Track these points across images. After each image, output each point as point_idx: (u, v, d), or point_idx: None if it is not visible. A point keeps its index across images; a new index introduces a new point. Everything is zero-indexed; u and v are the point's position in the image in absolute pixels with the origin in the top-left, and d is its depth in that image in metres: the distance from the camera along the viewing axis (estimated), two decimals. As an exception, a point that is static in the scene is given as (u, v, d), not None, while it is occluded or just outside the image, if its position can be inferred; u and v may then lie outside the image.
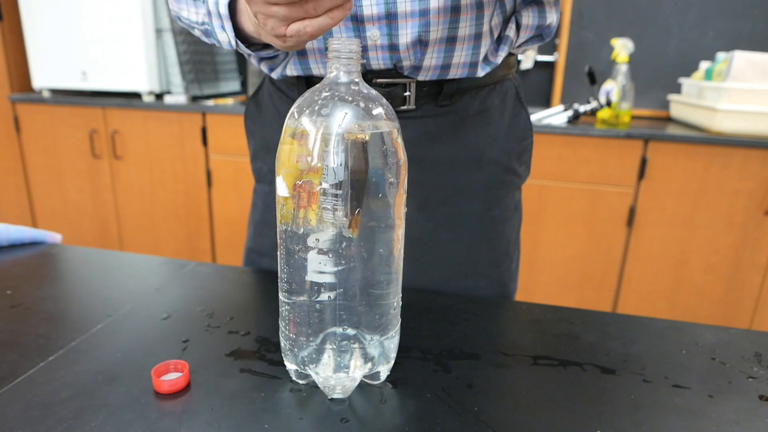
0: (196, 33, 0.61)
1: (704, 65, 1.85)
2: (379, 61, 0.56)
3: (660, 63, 2.03)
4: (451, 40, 0.56)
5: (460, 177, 0.64)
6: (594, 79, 1.86)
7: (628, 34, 2.00)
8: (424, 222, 0.65)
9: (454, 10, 0.54)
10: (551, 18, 0.60)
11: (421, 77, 0.58)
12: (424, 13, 0.53)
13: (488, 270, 0.68)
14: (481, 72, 0.59)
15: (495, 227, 0.67)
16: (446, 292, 0.64)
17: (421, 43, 0.55)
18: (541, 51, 2.16)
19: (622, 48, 1.79)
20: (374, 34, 0.54)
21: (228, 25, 0.53)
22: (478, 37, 0.56)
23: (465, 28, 0.56)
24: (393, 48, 0.55)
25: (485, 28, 0.56)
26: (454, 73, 0.58)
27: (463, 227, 0.66)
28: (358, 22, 0.54)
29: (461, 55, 0.57)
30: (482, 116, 0.63)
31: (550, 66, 2.16)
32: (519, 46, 0.62)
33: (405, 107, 0.60)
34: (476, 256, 0.67)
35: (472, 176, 0.64)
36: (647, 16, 1.99)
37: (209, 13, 0.54)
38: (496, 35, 0.58)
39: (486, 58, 0.59)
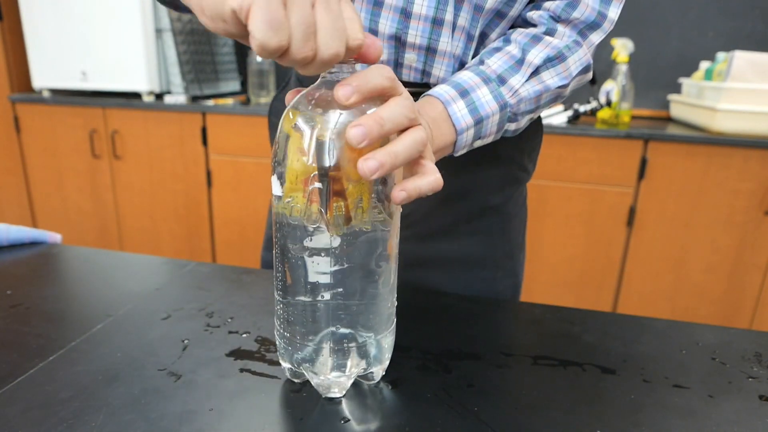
0: None
1: (704, 65, 1.85)
2: (410, 77, 0.59)
3: (660, 63, 2.03)
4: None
5: (480, 173, 0.67)
6: (594, 79, 1.86)
7: (628, 34, 2.00)
8: (443, 215, 0.68)
9: (480, 63, 0.58)
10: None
11: None
12: (457, 60, 0.57)
13: (504, 261, 0.72)
14: None
15: (509, 221, 0.71)
16: (466, 286, 0.68)
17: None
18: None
19: (622, 48, 1.79)
20: (411, 58, 0.57)
21: None
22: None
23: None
24: (426, 74, 0.58)
25: None
26: None
27: (480, 220, 0.69)
28: (400, 44, 0.56)
29: None
30: None
31: (550, 66, 2.16)
32: None
33: None
34: (493, 248, 0.70)
35: (491, 172, 0.67)
36: (647, 16, 1.99)
37: None
38: None
39: None
